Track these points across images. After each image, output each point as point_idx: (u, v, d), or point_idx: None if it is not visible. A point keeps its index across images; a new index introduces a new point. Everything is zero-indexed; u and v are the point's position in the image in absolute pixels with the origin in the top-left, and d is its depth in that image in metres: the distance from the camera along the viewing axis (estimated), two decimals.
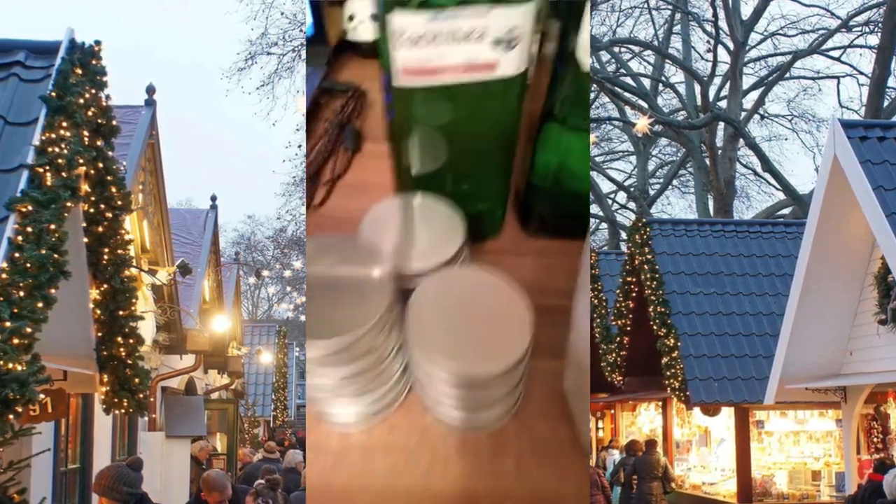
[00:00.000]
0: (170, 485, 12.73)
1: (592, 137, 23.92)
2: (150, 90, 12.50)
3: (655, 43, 29.46)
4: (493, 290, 5.41)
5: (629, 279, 16.45)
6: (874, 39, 24.65)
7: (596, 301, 18.31)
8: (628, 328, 16.54)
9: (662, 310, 14.85)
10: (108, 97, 6.98)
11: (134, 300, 7.49)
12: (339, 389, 5.36)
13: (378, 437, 5.72)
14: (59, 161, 6.00)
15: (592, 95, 27.66)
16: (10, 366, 5.01)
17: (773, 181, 28.05)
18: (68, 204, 5.97)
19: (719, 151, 25.75)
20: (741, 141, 25.81)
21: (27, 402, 5.09)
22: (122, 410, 7.58)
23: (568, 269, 6.47)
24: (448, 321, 5.22)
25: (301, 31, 25.53)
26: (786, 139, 34.58)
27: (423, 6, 4.77)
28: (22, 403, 5.05)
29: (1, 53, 7.12)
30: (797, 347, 11.22)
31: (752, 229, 17.01)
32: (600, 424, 21.47)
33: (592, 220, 31.76)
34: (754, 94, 28.94)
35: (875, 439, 11.31)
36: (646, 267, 15.56)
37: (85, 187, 6.70)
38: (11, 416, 5.09)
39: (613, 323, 17.13)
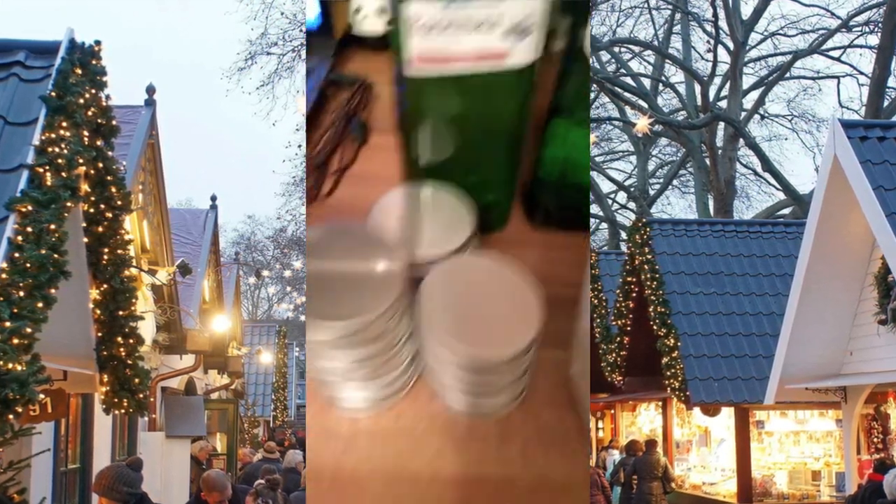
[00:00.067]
0: (170, 485, 12.73)
1: (592, 137, 23.94)
2: (150, 90, 12.50)
3: (655, 43, 29.47)
4: (504, 277, 5.46)
5: (629, 279, 16.45)
6: (874, 39, 24.66)
7: (596, 301, 18.31)
8: (628, 328, 16.54)
9: (662, 310, 14.85)
10: (108, 97, 6.98)
11: (134, 300, 7.49)
12: (349, 374, 5.40)
13: (386, 423, 5.77)
14: (59, 161, 6.00)
15: (592, 95, 27.67)
16: (10, 366, 5.01)
17: (773, 181, 28.06)
18: (68, 204, 5.97)
19: (719, 151, 25.75)
20: (741, 141, 25.82)
21: (27, 402, 5.09)
22: (122, 410, 7.58)
23: (572, 261, 6.56)
24: (459, 306, 5.27)
25: (301, 30, 25.52)
26: (786, 139, 34.71)
27: None
28: (22, 403, 5.05)
29: (1, 53, 7.11)
30: (797, 347, 11.22)
31: (752, 229, 17.01)
32: (600, 424, 21.47)
33: (592, 220, 31.78)
34: (754, 94, 28.95)
35: (875, 439, 11.31)
36: (646, 267, 15.56)
37: (85, 187, 6.70)
38: (11, 416, 5.09)
39: (613, 323, 17.13)
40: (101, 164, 6.91)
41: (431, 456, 5.60)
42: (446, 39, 5.02)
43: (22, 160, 6.03)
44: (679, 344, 14.41)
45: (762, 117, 30.67)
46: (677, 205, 38.67)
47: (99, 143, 6.89)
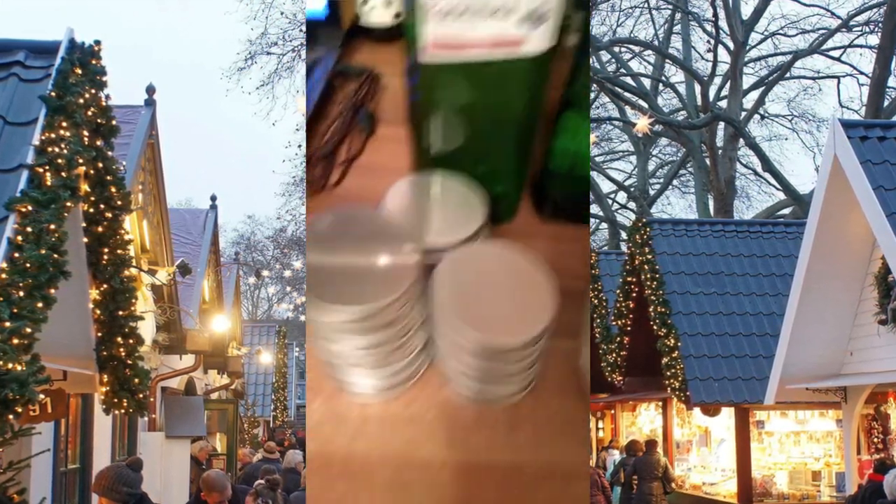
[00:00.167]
0: (170, 485, 12.72)
1: (592, 137, 23.94)
2: (150, 90, 12.50)
3: (655, 43, 29.47)
4: (518, 265, 5.49)
5: (629, 279, 16.44)
6: (874, 39, 24.66)
7: (596, 301, 18.30)
8: (628, 328, 16.54)
9: (662, 310, 14.85)
10: (107, 97, 6.98)
11: (134, 300, 7.48)
12: (359, 359, 5.42)
13: (397, 409, 5.80)
14: (59, 161, 6.00)
15: (592, 95, 27.66)
16: (10, 366, 5.01)
17: (773, 181, 28.07)
18: (68, 204, 5.97)
19: (719, 151, 25.75)
20: (741, 141, 25.82)
21: (27, 403, 5.08)
22: (122, 410, 7.58)
23: (578, 252, 6.64)
24: (472, 293, 5.29)
25: (301, 30, 25.51)
26: (786, 139, 34.71)
27: None
28: (22, 403, 5.05)
29: (1, 53, 7.11)
30: (797, 347, 11.22)
31: (752, 229, 17.01)
32: (600, 424, 21.46)
33: (592, 220, 31.78)
34: (754, 94, 28.95)
35: (875, 439, 11.31)
36: (646, 267, 15.56)
37: (85, 187, 6.70)
38: (11, 417, 5.09)
39: (613, 323, 17.12)
40: (100, 164, 6.91)
41: (441, 443, 5.65)
42: (462, 26, 5.02)
43: (22, 160, 6.03)
44: (679, 344, 14.41)
45: (762, 117, 30.67)
46: (677, 205, 38.72)
47: (99, 143, 6.88)
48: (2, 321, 5.12)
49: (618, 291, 16.93)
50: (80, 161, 6.28)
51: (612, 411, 20.56)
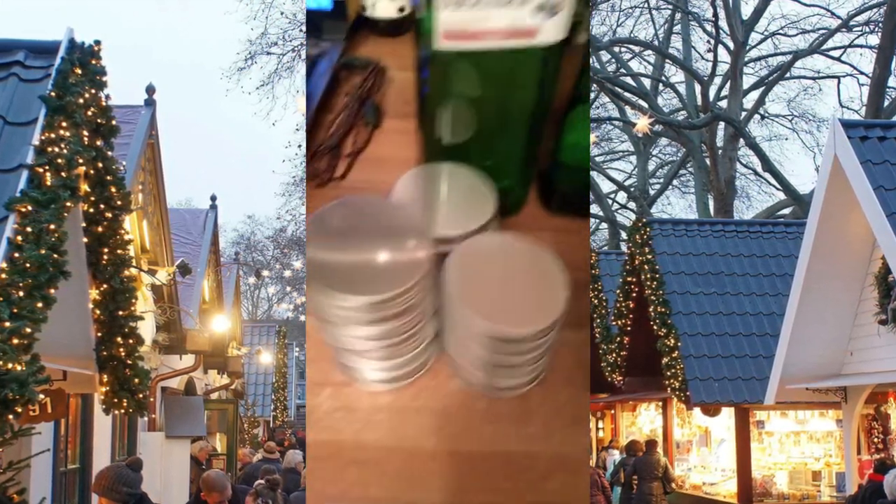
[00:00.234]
0: (170, 485, 12.72)
1: (592, 137, 23.94)
2: (150, 90, 12.50)
3: (655, 43, 29.47)
4: (531, 255, 5.52)
5: (629, 279, 16.44)
6: (874, 39, 24.66)
7: (596, 301, 18.30)
8: (628, 328, 16.53)
9: (662, 310, 14.85)
10: (107, 97, 6.98)
11: (134, 300, 7.48)
12: (369, 349, 5.44)
13: (407, 399, 5.84)
14: (59, 161, 6.00)
15: (592, 95, 27.67)
16: (10, 366, 5.01)
17: (773, 181, 28.06)
18: (68, 204, 5.96)
19: (719, 151, 25.75)
20: (741, 141, 25.82)
21: (27, 403, 5.08)
22: (122, 410, 7.58)
23: (582, 245, 6.70)
24: (484, 282, 5.31)
25: (301, 30, 25.51)
26: (786, 139, 34.68)
27: None
28: (21, 403, 5.04)
29: (1, 53, 7.11)
30: (797, 347, 11.22)
31: (752, 229, 17.00)
32: (600, 424, 21.45)
33: (592, 220, 31.79)
34: (754, 94, 28.95)
35: (875, 439, 11.31)
36: (646, 267, 15.56)
37: (84, 187, 6.70)
38: (11, 417, 5.09)
39: (613, 323, 17.12)
40: (100, 164, 6.91)
41: (450, 433, 5.68)
42: (476, 15, 5.02)
43: (21, 160, 6.02)
44: (679, 344, 14.41)
45: (762, 117, 30.67)
46: (677, 205, 38.71)
47: (99, 142, 6.88)
48: (2, 321, 5.11)
49: (618, 291, 16.92)
50: (80, 161, 6.28)
51: (612, 411, 20.55)
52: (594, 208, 30.42)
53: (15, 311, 5.21)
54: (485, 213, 5.82)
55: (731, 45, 25.60)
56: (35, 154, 6.01)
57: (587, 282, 6.37)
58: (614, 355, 16.89)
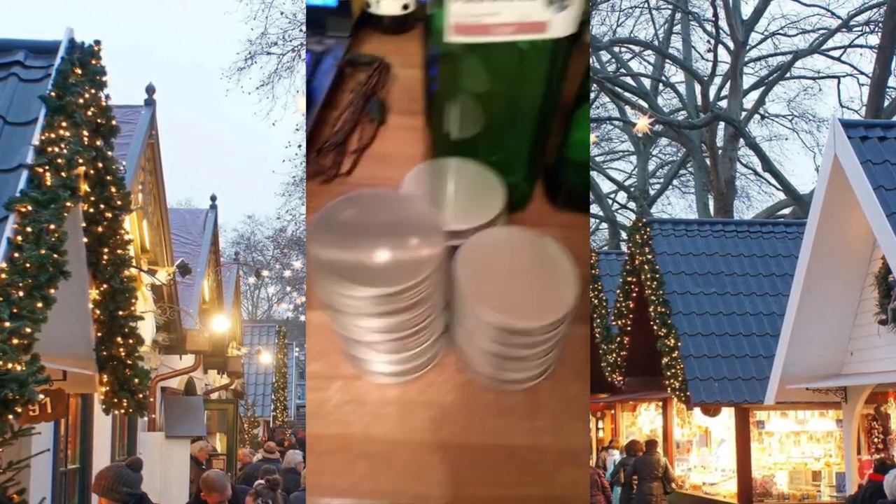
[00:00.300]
0: (169, 485, 12.72)
1: (592, 137, 23.93)
2: (150, 90, 12.50)
3: (655, 43, 29.46)
4: (542, 248, 5.53)
5: (629, 279, 16.44)
6: (874, 39, 24.66)
7: (596, 301, 18.30)
8: (628, 328, 16.53)
9: (662, 310, 14.85)
10: (107, 97, 6.97)
11: (133, 300, 7.48)
12: (379, 342, 5.46)
13: (416, 392, 5.86)
14: (59, 161, 6.00)
15: (592, 95, 27.66)
16: (10, 366, 5.00)
17: (773, 181, 28.07)
18: (68, 204, 5.96)
19: (719, 151, 25.75)
20: (741, 141, 25.82)
21: (26, 403, 5.08)
22: (122, 410, 7.57)
23: (584, 240, 6.73)
24: (495, 275, 5.32)
25: (301, 30, 25.50)
26: (786, 139, 34.66)
27: None
28: (21, 403, 5.04)
29: (1, 53, 7.11)
30: (797, 347, 11.22)
31: (752, 229, 17.00)
32: (600, 424, 21.45)
33: (592, 220, 31.79)
34: (754, 94, 28.95)
35: (875, 439, 11.31)
36: (646, 267, 15.56)
37: (84, 187, 6.69)
38: (11, 417, 5.08)
39: (613, 323, 17.12)
40: (100, 164, 6.91)
41: (460, 427, 5.70)
42: (487, 7, 5.03)
43: (21, 160, 6.02)
44: (679, 344, 14.41)
45: (762, 117, 30.68)
46: (677, 205, 38.70)
47: (99, 142, 6.88)
48: (2, 321, 5.11)
49: (618, 291, 16.92)
50: (80, 161, 6.27)
51: (612, 411, 20.55)
52: (594, 208, 30.43)
53: (15, 311, 5.21)
54: (494, 207, 5.83)
55: (731, 45, 25.60)
56: (35, 154, 6.01)
57: (588, 276, 6.40)
58: (614, 355, 16.89)
